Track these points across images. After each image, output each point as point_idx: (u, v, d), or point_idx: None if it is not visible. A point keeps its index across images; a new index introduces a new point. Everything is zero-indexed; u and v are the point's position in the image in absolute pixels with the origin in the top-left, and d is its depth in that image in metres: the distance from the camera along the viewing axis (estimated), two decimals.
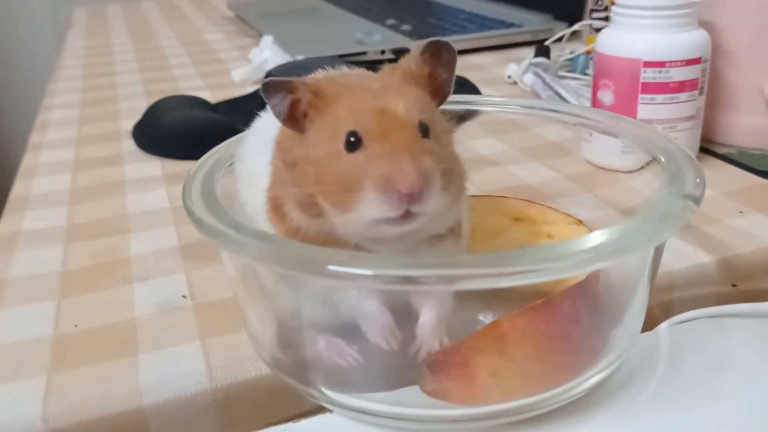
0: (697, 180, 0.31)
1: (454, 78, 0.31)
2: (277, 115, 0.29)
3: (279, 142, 0.31)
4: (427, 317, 0.31)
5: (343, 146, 0.28)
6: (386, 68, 0.32)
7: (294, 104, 0.29)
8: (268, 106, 0.31)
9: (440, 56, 0.31)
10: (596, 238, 0.26)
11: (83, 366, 0.36)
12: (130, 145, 0.67)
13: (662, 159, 0.34)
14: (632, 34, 0.52)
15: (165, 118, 0.67)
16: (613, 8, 0.54)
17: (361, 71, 0.33)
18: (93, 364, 0.36)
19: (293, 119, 0.29)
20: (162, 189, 0.57)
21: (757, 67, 0.54)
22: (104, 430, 0.33)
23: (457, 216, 0.31)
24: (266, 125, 0.35)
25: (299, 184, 0.29)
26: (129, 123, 0.71)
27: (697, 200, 0.29)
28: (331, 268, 0.26)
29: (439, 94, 0.31)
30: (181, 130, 0.65)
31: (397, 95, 0.29)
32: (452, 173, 0.29)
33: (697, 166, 0.32)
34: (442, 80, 0.31)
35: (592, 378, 0.31)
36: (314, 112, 0.29)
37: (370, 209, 0.27)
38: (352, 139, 0.28)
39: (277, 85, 0.29)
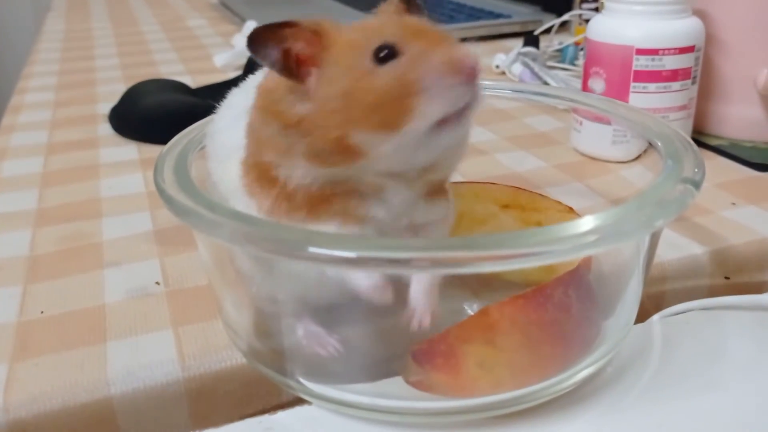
0: (696, 166, 0.29)
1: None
2: (272, 66, 0.27)
3: (267, 105, 0.28)
4: (420, 285, 0.29)
5: (373, 65, 0.26)
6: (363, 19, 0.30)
7: (287, 52, 0.27)
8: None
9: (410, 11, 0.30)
10: (592, 221, 0.25)
11: (48, 354, 0.34)
12: (106, 128, 0.64)
13: (659, 144, 0.33)
14: (625, 21, 0.51)
15: (142, 102, 0.64)
16: None
17: None
18: (58, 352, 0.34)
19: (289, 69, 0.27)
20: (138, 173, 0.54)
21: (750, 57, 0.53)
22: (69, 421, 0.31)
23: (455, 167, 0.30)
24: (237, 99, 0.33)
25: (312, 136, 0.27)
26: (106, 107, 0.68)
27: (697, 185, 0.28)
28: (312, 249, 0.24)
29: None
30: (159, 114, 0.63)
31: (405, 17, 0.28)
32: None
33: (695, 151, 0.31)
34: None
35: (583, 370, 0.30)
36: (319, 50, 0.27)
37: (435, 106, 0.25)
38: (383, 53, 0.26)
39: (268, 33, 0.26)
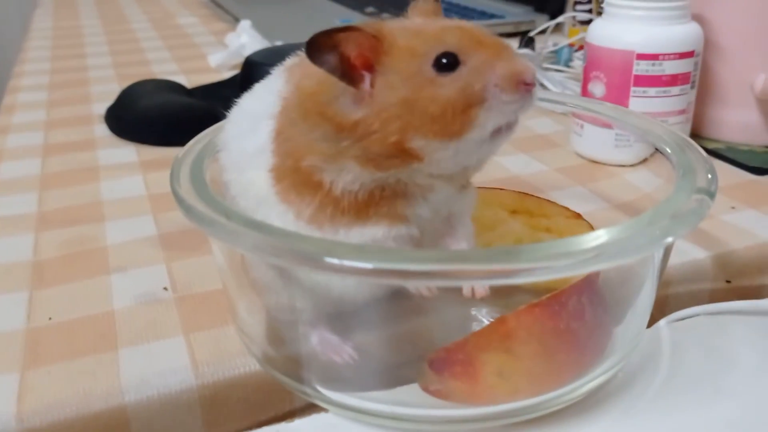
0: (709, 174, 0.30)
1: None
2: (332, 71, 0.26)
3: (310, 109, 0.28)
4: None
5: (434, 73, 0.26)
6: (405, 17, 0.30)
7: (345, 57, 0.26)
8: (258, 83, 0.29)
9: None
10: (609, 235, 0.25)
11: (59, 362, 0.33)
12: (102, 129, 0.64)
13: (668, 151, 0.33)
14: (625, 26, 0.51)
15: (140, 103, 0.64)
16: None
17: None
18: (70, 359, 0.34)
19: (348, 73, 0.27)
20: (138, 176, 0.54)
21: (748, 62, 0.54)
22: (83, 429, 0.31)
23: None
24: (251, 104, 0.33)
25: (368, 140, 0.27)
26: (101, 107, 0.68)
27: (712, 195, 0.28)
28: (329, 260, 0.24)
29: None
30: (157, 115, 0.62)
31: (456, 21, 0.28)
32: None
33: (707, 159, 0.31)
34: None
35: (598, 377, 0.30)
36: (378, 55, 0.27)
37: (496, 117, 0.27)
38: (445, 60, 0.26)
39: (327, 39, 0.26)
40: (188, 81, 0.76)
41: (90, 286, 0.40)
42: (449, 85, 0.26)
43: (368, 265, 0.24)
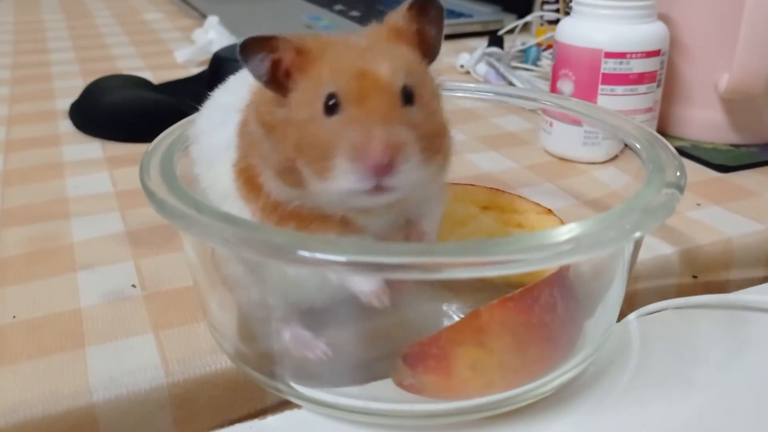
0: (678, 170, 0.30)
1: (443, 36, 0.30)
2: (258, 76, 0.27)
3: (256, 105, 0.28)
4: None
5: (322, 109, 0.26)
6: (372, 25, 0.30)
7: (275, 64, 0.27)
8: (237, 73, 0.29)
9: (428, 12, 0.29)
10: (580, 228, 0.25)
11: (25, 361, 0.33)
12: (67, 125, 0.63)
13: (637, 146, 0.34)
14: (593, 25, 0.52)
15: (106, 98, 0.63)
16: None
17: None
18: (36, 358, 0.33)
19: (275, 80, 0.27)
20: (104, 172, 0.53)
21: (712, 61, 0.55)
22: (51, 429, 0.30)
23: (440, 183, 0.30)
24: (222, 98, 0.33)
25: (279, 148, 0.27)
26: (65, 102, 0.67)
27: (681, 189, 0.29)
28: (302, 253, 0.24)
29: (428, 54, 0.29)
30: (124, 111, 0.61)
31: (382, 55, 0.27)
32: (435, 143, 0.27)
33: (676, 155, 0.32)
34: (431, 37, 0.29)
35: (570, 371, 0.30)
36: (297, 72, 0.27)
37: (342, 179, 0.25)
38: (331, 102, 0.26)
39: (257, 43, 0.26)
40: (154, 77, 0.75)
41: (56, 283, 0.39)
42: (322, 127, 0.26)
43: (341, 258, 0.24)
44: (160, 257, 0.41)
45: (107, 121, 0.60)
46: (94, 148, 0.58)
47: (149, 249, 0.42)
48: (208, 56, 0.80)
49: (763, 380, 0.32)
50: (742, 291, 0.39)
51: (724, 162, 0.54)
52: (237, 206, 0.29)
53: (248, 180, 0.29)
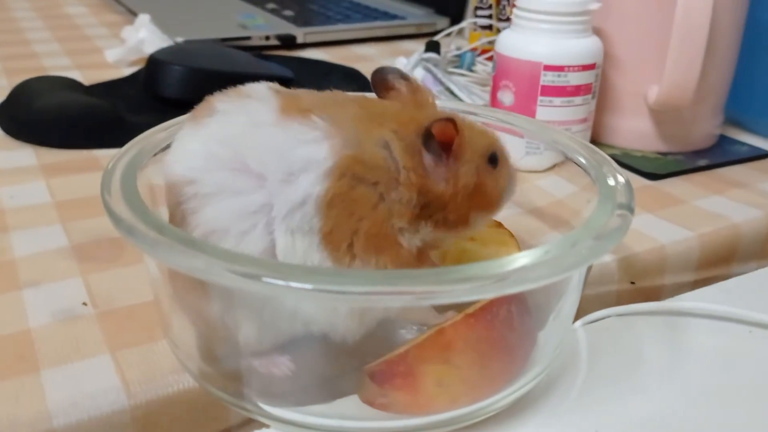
0: (627, 191, 0.32)
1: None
2: (435, 153, 0.31)
3: (410, 172, 0.31)
4: None
5: (488, 166, 0.33)
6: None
7: (443, 142, 0.31)
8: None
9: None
10: (538, 256, 0.27)
11: None
12: None
13: (584, 162, 0.35)
14: (533, 38, 0.54)
15: (37, 102, 0.61)
16: (515, 11, 0.55)
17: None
18: None
19: (439, 153, 0.31)
20: (40, 181, 0.51)
21: (642, 74, 0.58)
22: None
23: None
24: (221, 151, 0.30)
25: (446, 209, 0.32)
26: None
27: (632, 210, 0.30)
28: (267, 280, 0.24)
29: None
30: (57, 115, 0.59)
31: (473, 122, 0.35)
32: None
33: (622, 173, 0.34)
34: None
35: (530, 382, 0.32)
36: (458, 146, 0.32)
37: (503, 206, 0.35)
38: (494, 158, 0.33)
39: (443, 128, 0.31)
40: (84, 77, 0.73)
41: (1, 302, 0.38)
42: (497, 177, 0.34)
43: (308, 286, 0.24)
44: (110, 273, 0.41)
45: (39, 126, 0.58)
46: (27, 154, 0.56)
47: (97, 264, 0.41)
48: (141, 56, 0.79)
49: (702, 383, 0.35)
50: (678, 297, 0.41)
51: (654, 170, 0.56)
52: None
53: (383, 241, 0.30)
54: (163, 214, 0.31)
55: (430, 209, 0.31)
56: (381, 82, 0.35)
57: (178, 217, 0.30)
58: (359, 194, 0.30)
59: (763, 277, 0.44)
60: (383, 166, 0.30)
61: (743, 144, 0.63)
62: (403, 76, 0.35)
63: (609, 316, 0.39)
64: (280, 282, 0.24)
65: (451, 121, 0.31)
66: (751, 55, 0.61)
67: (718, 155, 0.60)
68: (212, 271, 0.25)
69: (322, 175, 0.29)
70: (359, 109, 0.32)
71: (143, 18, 0.83)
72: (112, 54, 0.79)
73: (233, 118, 0.31)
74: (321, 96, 0.33)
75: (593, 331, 0.38)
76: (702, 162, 0.58)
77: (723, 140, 0.63)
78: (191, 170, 0.30)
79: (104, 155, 0.55)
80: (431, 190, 0.31)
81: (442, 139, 0.31)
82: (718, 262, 0.49)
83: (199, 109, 0.32)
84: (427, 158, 0.31)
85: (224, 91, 0.32)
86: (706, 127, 0.61)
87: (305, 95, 0.33)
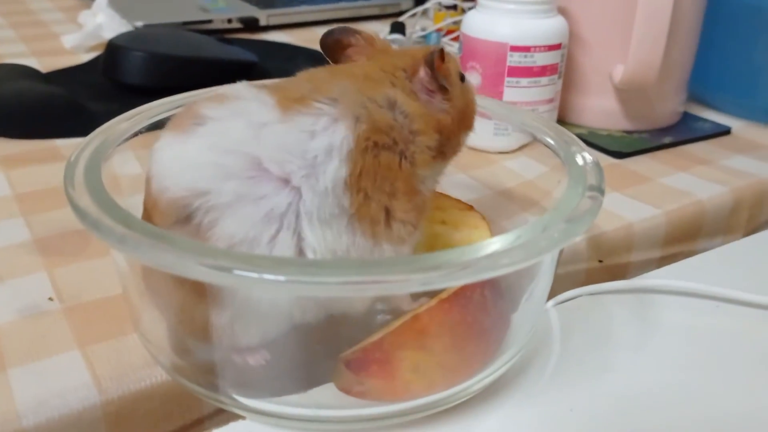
0: (597, 172, 0.32)
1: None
2: (440, 87, 0.33)
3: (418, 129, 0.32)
4: None
5: (461, 84, 0.35)
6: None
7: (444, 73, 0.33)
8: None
9: None
10: (509, 241, 0.27)
11: None
12: None
13: (553, 143, 0.36)
14: (499, 19, 0.54)
15: None
16: None
17: None
18: None
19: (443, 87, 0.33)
20: None
21: (607, 54, 0.58)
22: None
23: None
24: (224, 160, 0.28)
25: (450, 138, 0.34)
26: None
27: (602, 192, 0.30)
28: (238, 272, 0.24)
29: None
30: (15, 105, 0.57)
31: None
32: None
33: (591, 153, 0.34)
34: None
35: (505, 364, 0.32)
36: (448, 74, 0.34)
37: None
38: (462, 75, 0.35)
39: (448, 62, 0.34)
40: (41, 64, 0.71)
41: None
42: (468, 91, 0.35)
43: (281, 278, 0.24)
44: (76, 266, 0.40)
45: None
46: None
47: (62, 258, 0.40)
48: (99, 41, 0.77)
49: (671, 358, 0.35)
50: (646, 275, 0.42)
51: (620, 149, 0.57)
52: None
53: (410, 190, 0.31)
54: (130, 205, 0.30)
55: (443, 145, 0.33)
56: (335, 43, 0.35)
57: (187, 232, 0.28)
58: (385, 160, 0.30)
59: (728, 253, 0.45)
60: (395, 124, 0.31)
61: (706, 120, 0.64)
62: (355, 31, 0.35)
63: (580, 296, 0.40)
64: (253, 274, 0.24)
65: (441, 50, 0.32)
66: (712, 32, 0.62)
67: (682, 132, 0.61)
68: (183, 265, 0.25)
69: (346, 157, 0.29)
70: (346, 79, 0.31)
71: (100, 2, 0.80)
72: (69, 40, 0.77)
73: (230, 123, 0.29)
74: (300, 79, 0.32)
75: (565, 310, 0.39)
76: (667, 139, 0.59)
77: (686, 117, 0.64)
78: (199, 182, 0.28)
79: (65, 144, 0.54)
80: (443, 125, 0.33)
81: (439, 70, 0.32)
82: (684, 238, 0.50)
83: (182, 117, 0.30)
84: (424, 97, 0.33)
85: (204, 97, 0.31)
86: (670, 105, 0.61)
87: (286, 83, 0.32)
